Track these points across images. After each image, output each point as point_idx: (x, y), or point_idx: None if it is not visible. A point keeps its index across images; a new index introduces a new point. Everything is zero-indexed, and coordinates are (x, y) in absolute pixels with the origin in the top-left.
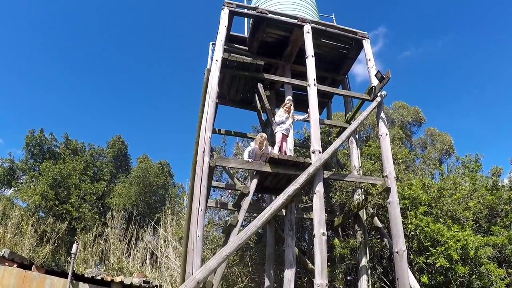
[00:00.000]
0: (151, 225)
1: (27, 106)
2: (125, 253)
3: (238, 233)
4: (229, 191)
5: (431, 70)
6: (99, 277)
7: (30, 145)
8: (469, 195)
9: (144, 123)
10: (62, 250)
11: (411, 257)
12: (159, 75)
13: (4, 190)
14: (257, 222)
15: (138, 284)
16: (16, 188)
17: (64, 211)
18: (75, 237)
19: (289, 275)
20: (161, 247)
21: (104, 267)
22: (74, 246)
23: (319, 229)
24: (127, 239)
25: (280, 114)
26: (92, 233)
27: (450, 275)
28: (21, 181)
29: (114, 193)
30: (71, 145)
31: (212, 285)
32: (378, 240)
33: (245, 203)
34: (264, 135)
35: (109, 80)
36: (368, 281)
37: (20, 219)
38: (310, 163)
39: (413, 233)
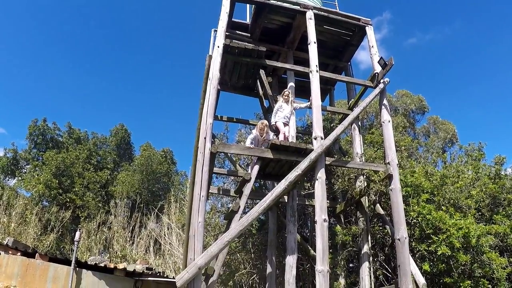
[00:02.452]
0: (154, 212)
1: (30, 96)
2: (129, 241)
3: (240, 219)
4: (232, 178)
5: (436, 58)
6: (102, 264)
7: (33, 134)
8: (471, 183)
9: (147, 111)
10: (67, 239)
11: (413, 244)
12: (161, 63)
13: (8, 180)
14: (259, 208)
15: (141, 271)
16: (20, 178)
17: (68, 200)
18: (79, 226)
19: (291, 261)
20: (164, 235)
21: (108, 255)
22: (77, 233)
23: (321, 215)
24: (131, 227)
25: (279, 104)
26: (96, 221)
27: (451, 263)
28: (25, 170)
29: (117, 181)
30: (74, 134)
31: (213, 271)
32: (380, 228)
33: (247, 189)
34: (266, 122)
35: (111, 69)
36: (369, 268)
37: (24, 208)
38: (312, 149)
39: (415, 220)
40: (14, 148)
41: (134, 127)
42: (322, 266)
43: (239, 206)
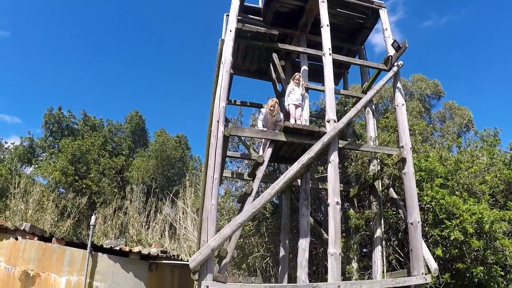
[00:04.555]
0: (169, 197)
1: (44, 85)
2: (144, 226)
3: (253, 201)
4: (246, 162)
5: (452, 41)
6: (117, 248)
7: (48, 123)
8: (486, 169)
9: (161, 97)
10: (83, 224)
11: (426, 229)
12: (174, 48)
13: (25, 168)
14: (271, 190)
15: (156, 254)
16: (36, 166)
17: (84, 186)
18: (95, 211)
19: (303, 244)
20: (179, 219)
21: (124, 239)
22: (93, 218)
23: (333, 198)
24: (146, 212)
25: (290, 87)
26: (112, 207)
27: (464, 248)
28: (41, 158)
29: (132, 167)
30: (89, 121)
31: (226, 253)
32: (394, 212)
33: (260, 172)
34: (275, 99)
35: (124, 56)
36: (382, 253)
37: (41, 195)
38: (325, 132)
39: (428, 205)
40: (30, 137)
41: (148, 113)
42: (334, 249)
43: (252, 189)
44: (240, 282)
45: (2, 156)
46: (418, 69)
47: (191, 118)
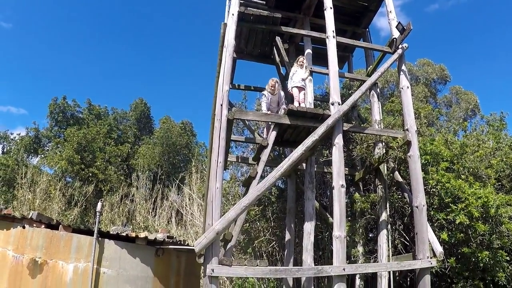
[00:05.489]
0: (175, 184)
1: (49, 76)
2: (151, 212)
3: (258, 184)
4: (251, 147)
5: (459, 25)
6: (124, 234)
7: (53, 112)
8: (492, 153)
9: (166, 84)
10: (90, 212)
11: (432, 213)
12: (178, 35)
13: (31, 158)
14: (276, 173)
15: (162, 239)
16: (42, 156)
17: (90, 174)
18: (102, 199)
19: (308, 227)
20: (185, 205)
21: (131, 226)
22: (99, 204)
23: (338, 180)
24: (153, 199)
25: (294, 69)
26: (118, 194)
27: (469, 232)
28: (47, 148)
29: (138, 154)
30: (94, 110)
31: (231, 236)
32: (400, 197)
33: (264, 155)
34: (276, 78)
35: (127, 44)
36: (387, 236)
37: (48, 184)
38: (329, 115)
39: (434, 189)
40: (35, 127)
41: (153, 101)
42: (339, 231)
43: (257, 172)
44: (246, 265)
45: (8, 147)
46: (424, 54)
47: (196, 105)
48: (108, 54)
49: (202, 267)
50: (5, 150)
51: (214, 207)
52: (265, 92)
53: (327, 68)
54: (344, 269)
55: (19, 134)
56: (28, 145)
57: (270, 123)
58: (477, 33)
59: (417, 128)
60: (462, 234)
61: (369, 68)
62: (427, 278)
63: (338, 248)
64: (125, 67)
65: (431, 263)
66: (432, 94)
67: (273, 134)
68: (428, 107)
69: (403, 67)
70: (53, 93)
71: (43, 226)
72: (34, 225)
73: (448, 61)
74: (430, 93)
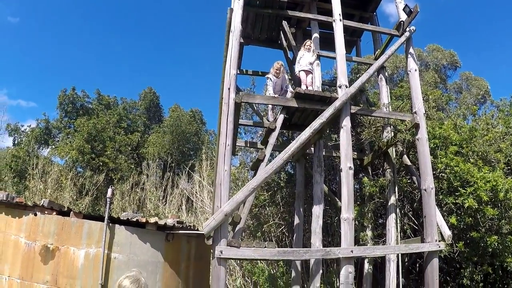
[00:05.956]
0: (185, 171)
1: (57, 68)
2: (161, 200)
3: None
4: (260, 133)
5: (469, 10)
6: (134, 219)
7: (63, 103)
8: (501, 137)
9: (175, 73)
10: (101, 201)
11: (440, 197)
12: (185, 23)
13: (42, 149)
14: (284, 155)
15: (172, 224)
16: (53, 146)
17: (101, 164)
18: (112, 185)
19: (317, 211)
20: (196, 192)
21: (141, 214)
22: (109, 190)
23: (346, 163)
24: (163, 187)
25: (301, 53)
26: (129, 183)
27: (478, 217)
28: (58, 139)
29: (148, 143)
30: (103, 100)
31: (240, 219)
32: (409, 182)
33: (272, 138)
34: (280, 61)
35: (134, 33)
36: (396, 220)
37: (59, 174)
38: (337, 98)
39: (442, 174)
40: (46, 118)
41: (162, 90)
42: (347, 214)
43: (265, 155)
44: (254, 247)
45: (19, 139)
46: (434, 39)
47: (205, 94)
48: (116, 45)
49: (212, 255)
50: (16, 142)
51: (222, 189)
52: (269, 76)
53: (335, 53)
54: (352, 251)
55: (30, 126)
56: (38, 136)
57: (274, 106)
58: (486, 18)
59: (426, 111)
60: (470, 219)
61: (376, 52)
62: (435, 262)
63: (346, 230)
64: (133, 57)
65: (439, 246)
66: (442, 80)
67: (280, 117)
68: (437, 91)
69: (411, 50)
70: (62, 85)
71: (54, 213)
72: (46, 212)
73: (458, 47)
74: (440, 79)
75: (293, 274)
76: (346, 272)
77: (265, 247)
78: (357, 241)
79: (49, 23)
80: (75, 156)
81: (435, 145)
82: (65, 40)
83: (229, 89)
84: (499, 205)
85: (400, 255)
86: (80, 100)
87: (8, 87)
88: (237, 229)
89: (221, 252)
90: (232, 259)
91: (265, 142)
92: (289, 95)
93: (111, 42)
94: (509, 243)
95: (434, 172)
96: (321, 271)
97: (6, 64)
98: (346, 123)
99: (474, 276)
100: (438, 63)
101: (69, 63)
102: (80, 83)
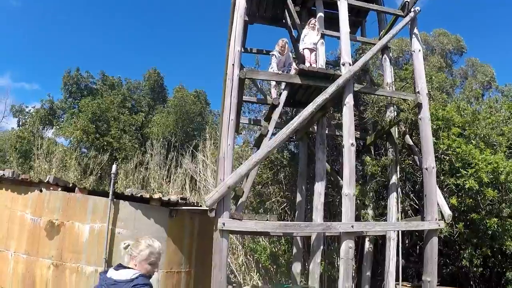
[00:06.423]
0: (189, 150)
1: (60, 50)
2: (165, 179)
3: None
4: (264, 112)
5: None
6: (138, 195)
7: (67, 84)
8: (504, 121)
9: (179, 54)
10: (106, 181)
11: (442, 178)
12: (190, 3)
13: (47, 130)
14: (286, 130)
15: (176, 201)
16: (57, 127)
17: (105, 143)
18: (117, 162)
19: (319, 187)
20: (199, 171)
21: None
22: (114, 166)
23: (348, 139)
24: (167, 166)
25: (305, 31)
26: (133, 162)
27: (479, 198)
28: (62, 119)
29: (152, 123)
30: (107, 81)
31: (242, 192)
32: (411, 163)
33: (275, 114)
34: (285, 39)
35: (138, 14)
36: (397, 199)
37: (63, 154)
38: (340, 75)
39: (444, 155)
40: (50, 99)
41: (167, 70)
42: (348, 189)
43: (268, 130)
44: (256, 219)
45: (24, 120)
46: (440, 24)
47: (209, 75)
48: (119, 26)
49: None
50: (20, 123)
51: (226, 163)
52: (274, 52)
53: (339, 32)
54: (352, 226)
55: (34, 107)
56: (43, 117)
57: (277, 85)
58: (494, 4)
59: (429, 91)
60: (471, 200)
61: (381, 33)
62: (435, 240)
63: (347, 205)
64: (137, 38)
65: (439, 225)
66: (448, 65)
67: (284, 94)
68: (442, 75)
69: (415, 31)
70: (65, 67)
71: (59, 189)
72: (51, 188)
73: (464, 32)
74: (445, 64)
75: (294, 251)
76: (347, 247)
77: (267, 220)
78: (358, 219)
79: (52, 6)
80: (79, 136)
81: (437, 127)
82: (68, 22)
83: (233, 65)
84: (500, 187)
85: (400, 235)
86: (84, 81)
87: (12, 70)
88: (239, 202)
89: (224, 224)
90: (235, 231)
91: (268, 119)
92: (293, 72)
93: (114, 23)
94: (509, 226)
95: (436, 154)
96: (322, 247)
97: (9, 47)
98: (349, 100)
99: (473, 259)
100: (444, 48)
101: (72, 45)
102: (83, 65)
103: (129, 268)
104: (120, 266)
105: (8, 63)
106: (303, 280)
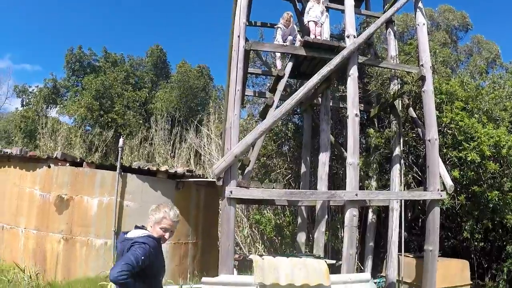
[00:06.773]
0: (193, 124)
1: (61, 29)
2: (170, 154)
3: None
4: (268, 85)
5: None
6: (145, 168)
7: (70, 62)
8: (508, 96)
9: (182, 30)
10: (111, 157)
11: (444, 151)
12: None
13: (51, 109)
14: (291, 100)
15: (182, 173)
16: (61, 105)
17: (110, 120)
18: (123, 135)
19: (323, 158)
20: (204, 145)
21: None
22: (121, 140)
23: (352, 110)
24: (171, 141)
25: (310, 4)
26: (138, 138)
27: (480, 171)
28: (66, 98)
29: (156, 98)
30: (110, 58)
31: (249, 161)
32: (414, 135)
33: (281, 85)
34: (290, 12)
35: None
36: (400, 170)
37: (68, 132)
38: (345, 47)
39: (447, 129)
40: (53, 78)
41: (169, 46)
42: (352, 159)
43: (273, 101)
44: (263, 187)
45: (27, 100)
46: (446, 0)
47: (212, 51)
48: (120, 2)
49: (221, 200)
50: (24, 103)
51: (232, 133)
52: (279, 25)
53: (344, 5)
54: (356, 195)
55: (37, 86)
56: (47, 96)
57: (282, 56)
58: None
59: (432, 64)
60: (473, 173)
61: (386, 7)
62: (437, 210)
63: (352, 175)
64: (139, 14)
65: (441, 196)
66: (453, 42)
67: (289, 65)
68: (446, 50)
69: (420, 4)
70: (67, 47)
71: (67, 164)
72: (59, 163)
73: (470, 9)
74: (451, 40)
75: (299, 221)
76: (351, 215)
77: (273, 188)
78: (362, 189)
79: None
80: (84, 113)
81: (441, 100)
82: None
83: (238, 36)
84: (502, 161)
85: (403, 207)
86: (87, 59)
87: (12, 51)
88: (246, 171)
89: (231, 193)
90: (242, 200)
91: (273, 90)
92: (297, 43)
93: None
94: (510, 200)
95: (439, 127)
96: (326, 216)
97: (9, 28)
98: (353, 71)
99: (474, 232)
100: (449, 24)
101: (73, 24)
102: (85, 44)
103: (143, 229)
104: (137, 227)
105: (8, 45)
106: (307, 250)
